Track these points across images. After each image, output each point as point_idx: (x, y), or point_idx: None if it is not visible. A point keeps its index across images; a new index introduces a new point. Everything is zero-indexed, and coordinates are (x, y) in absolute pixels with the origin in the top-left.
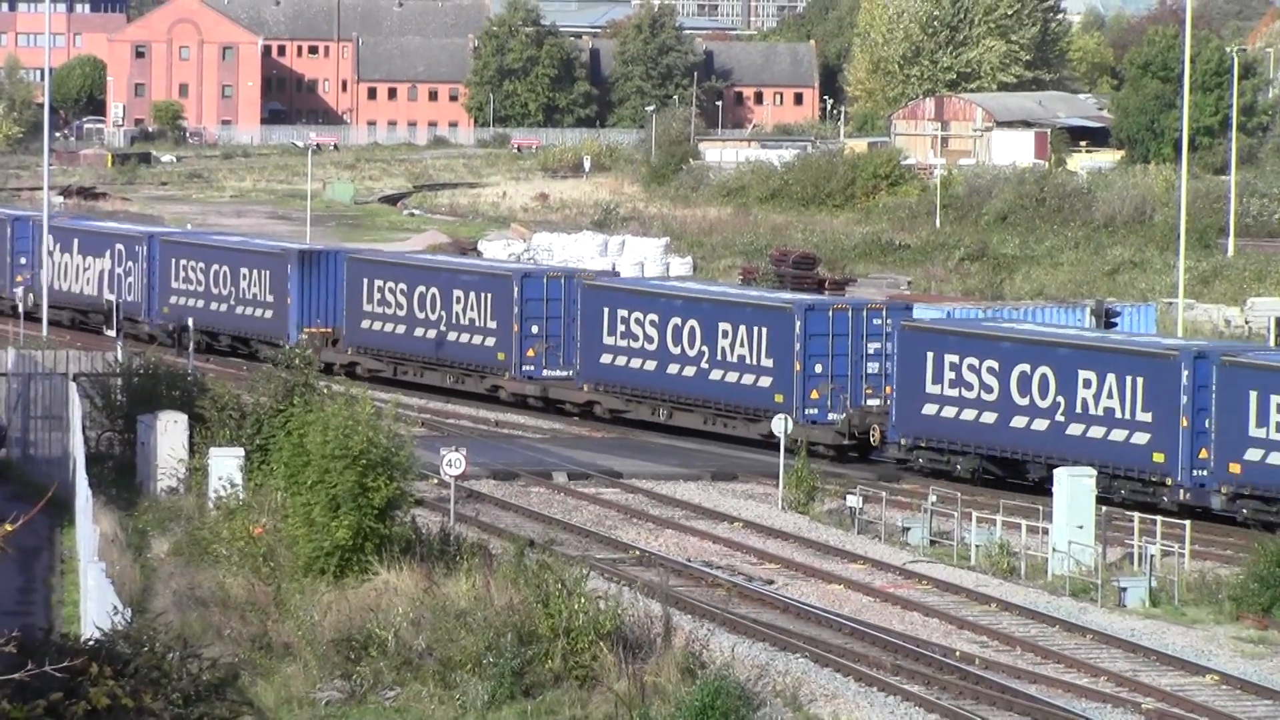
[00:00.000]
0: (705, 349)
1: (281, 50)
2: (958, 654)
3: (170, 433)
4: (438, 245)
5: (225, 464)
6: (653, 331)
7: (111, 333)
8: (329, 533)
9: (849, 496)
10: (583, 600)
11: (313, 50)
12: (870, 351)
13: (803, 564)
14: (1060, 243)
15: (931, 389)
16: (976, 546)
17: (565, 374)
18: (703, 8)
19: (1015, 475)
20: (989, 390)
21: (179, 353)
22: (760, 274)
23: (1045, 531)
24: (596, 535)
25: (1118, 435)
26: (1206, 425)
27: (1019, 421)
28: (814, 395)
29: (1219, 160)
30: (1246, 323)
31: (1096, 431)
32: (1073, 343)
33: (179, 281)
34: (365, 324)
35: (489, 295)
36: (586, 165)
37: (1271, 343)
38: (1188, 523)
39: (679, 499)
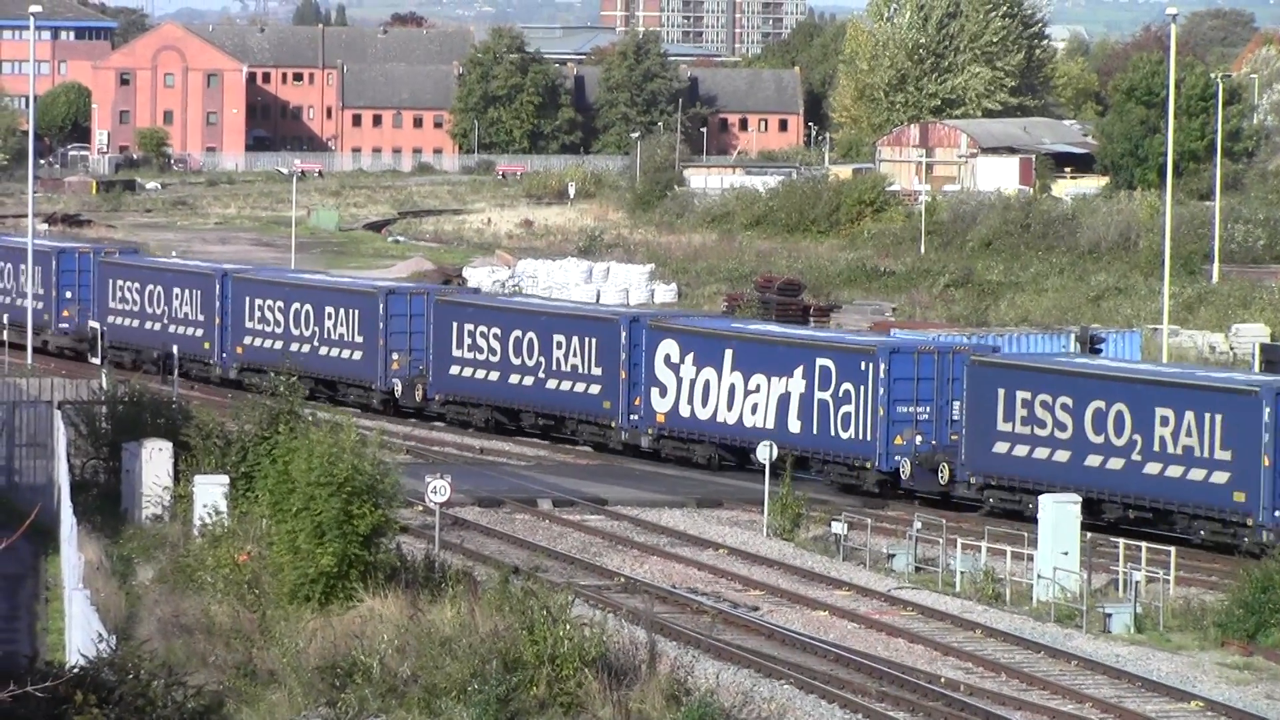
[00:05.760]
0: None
1: (266, 77)
2: (942, 680)
3: (155, 460)
4: (422, 272)
5: (210, 491)
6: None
7: (96, 360)
8: (314, 560)
9: (834, 523)
10: (568, 627)
11: (297, 77)
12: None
13: (787, 590)
14: (1045, 269)
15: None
16: (961, 573)
17: None
18: (687, 34)
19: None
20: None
21: (163, 380)
22: (745, 300)
23: (1030, 558)
24: (581, 562)
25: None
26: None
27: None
28: (65, 314)
29: (1204, 186)
30: (1231, 349)
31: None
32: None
33: None
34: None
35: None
36: (571, 192)
37: (1256, 369)
38: (1172, 549)
39: (664, 526)
